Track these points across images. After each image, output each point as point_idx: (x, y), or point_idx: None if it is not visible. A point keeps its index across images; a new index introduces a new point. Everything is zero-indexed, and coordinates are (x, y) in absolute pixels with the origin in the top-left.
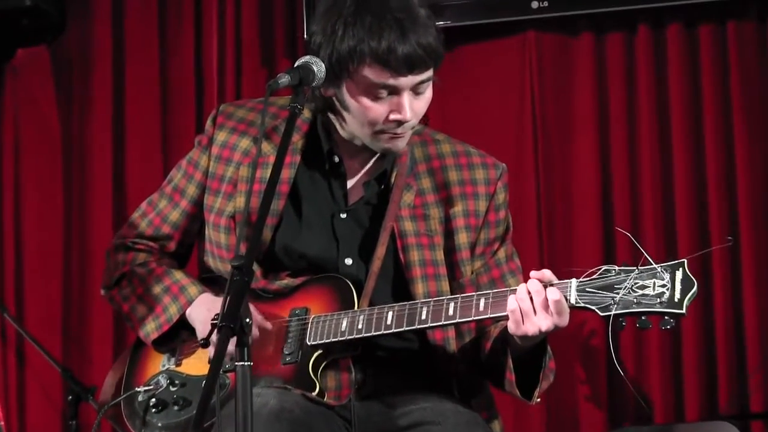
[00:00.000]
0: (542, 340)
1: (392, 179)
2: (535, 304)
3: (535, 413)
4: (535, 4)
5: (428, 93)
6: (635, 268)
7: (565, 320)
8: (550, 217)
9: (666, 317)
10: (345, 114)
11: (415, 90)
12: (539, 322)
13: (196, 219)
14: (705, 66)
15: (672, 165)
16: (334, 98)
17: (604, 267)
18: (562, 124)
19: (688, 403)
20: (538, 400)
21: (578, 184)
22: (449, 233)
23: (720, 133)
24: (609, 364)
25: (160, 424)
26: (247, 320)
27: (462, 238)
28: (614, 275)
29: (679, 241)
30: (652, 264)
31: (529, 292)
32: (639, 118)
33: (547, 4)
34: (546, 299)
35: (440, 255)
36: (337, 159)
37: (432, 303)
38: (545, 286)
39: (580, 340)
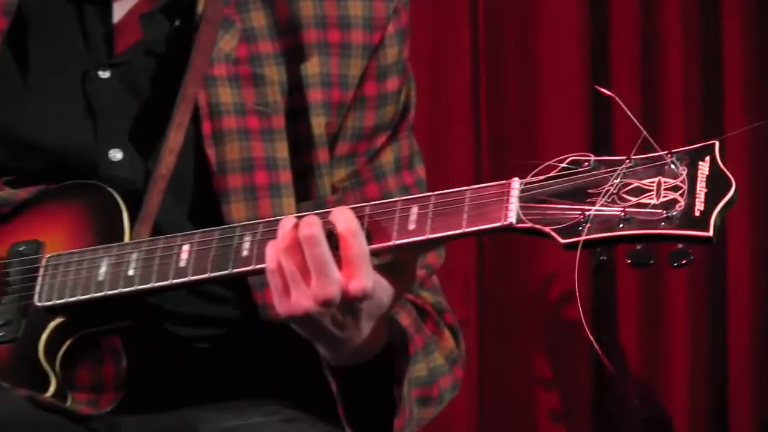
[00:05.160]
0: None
1: (198, 9)
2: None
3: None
4: None
5: None
6: (624, 158)
7: (361, 283)
8: (495, 79)
9: (681, 246)
10: None
11: None
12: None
13: None
14: None
15: None
16: None
17: (571, 156)
18: None
19: (733, 410)
20: None
21: (549, 20)
22: (298, 113)
23: None
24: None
25: None
26: None
27: (319, 124)
28: (588, 171)
29: (726, 122)
30: (655, 150)
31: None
32: None
33: None
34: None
35: (282, 150)
36: None
37: (261, 228)
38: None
39: (547, 309)
